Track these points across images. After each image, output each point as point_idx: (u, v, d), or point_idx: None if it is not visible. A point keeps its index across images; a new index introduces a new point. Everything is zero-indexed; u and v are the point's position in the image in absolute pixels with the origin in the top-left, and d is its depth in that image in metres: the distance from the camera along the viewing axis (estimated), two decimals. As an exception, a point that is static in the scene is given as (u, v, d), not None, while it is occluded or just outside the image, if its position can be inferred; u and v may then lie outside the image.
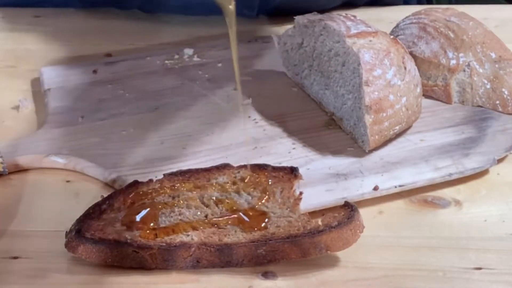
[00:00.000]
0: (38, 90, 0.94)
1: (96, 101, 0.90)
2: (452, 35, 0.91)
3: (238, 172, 0.75)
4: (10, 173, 0.80)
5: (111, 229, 0.69)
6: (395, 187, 0.77)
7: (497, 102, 0.89)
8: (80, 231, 0.68)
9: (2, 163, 0.79)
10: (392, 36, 0.86)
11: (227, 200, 0.72)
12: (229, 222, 0.69)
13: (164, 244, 0.67)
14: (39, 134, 0.84)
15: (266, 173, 0.75)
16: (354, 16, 0.87)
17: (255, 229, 0.69)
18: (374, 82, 0.80)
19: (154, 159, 0.80)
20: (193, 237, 0.68)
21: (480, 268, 0.69)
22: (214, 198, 0.72)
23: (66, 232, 0.69)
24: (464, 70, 0.90)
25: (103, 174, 0.79)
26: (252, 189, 0.73)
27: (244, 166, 0.75)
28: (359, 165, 0.79)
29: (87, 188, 0.78)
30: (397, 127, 0.82)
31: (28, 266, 0.69)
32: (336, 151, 0.82)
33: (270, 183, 0.74)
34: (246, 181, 0.74)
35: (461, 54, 0.90)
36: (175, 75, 0.96)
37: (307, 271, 0.68)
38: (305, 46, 0.91)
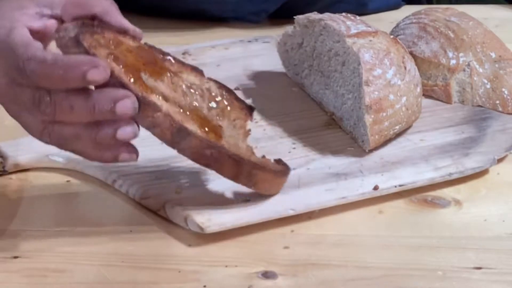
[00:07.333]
0: (38, 90, 0.94)
1: (96, 101, 0.90)
2: (452, 35, 0.91)
3: (208, 82, 0.76)
4: (10, 173, 0.80)
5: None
6: (395, 186, 0.77)
7: (497, 102, 0.89)
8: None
9: (2, 163, 0.79)
10: (392, 36, 0.86)
11: (194, 96, 0.73)
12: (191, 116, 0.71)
13: (139, 94, 0.68)
14: (39, 134, 0.84)
15: (230, 96, 0.76)
16: (354, 16, 0.87)
17: (212, 131, 0.71)
18: (374, 81, 0.80)
19: (154, 159, 0.80)
20: (163, 105, 0.69)
21: (480, 268, 0.69)
22: (184, 87, 0.73)
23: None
24: (464, 70, 0.90)
25: (103, 174, 0.79)
26: (214, 102, 0.74)
27: (213, 80, 0.76)
28: (359, 165, 0.79)
29: (87, 188, 0.78)
30: (397, 127, 0.82)
31: (28, 266, 0.69)
32: (336, 151, 0.82)
33: (228, 108, 0.75)
34: (212, 93, 0.75)
35: (461, 54, 0.90)
36: (175, 75, 0.96)
37: (307, 271, 0.68)
38: (305, 46, 0.91)
